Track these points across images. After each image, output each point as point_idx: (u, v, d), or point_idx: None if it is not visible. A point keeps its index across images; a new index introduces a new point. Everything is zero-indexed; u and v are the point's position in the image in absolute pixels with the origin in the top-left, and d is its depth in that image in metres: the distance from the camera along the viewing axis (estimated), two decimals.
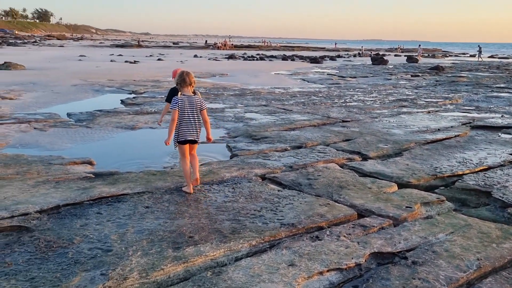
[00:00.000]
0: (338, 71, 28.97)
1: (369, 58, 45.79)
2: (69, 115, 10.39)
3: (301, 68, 31.49)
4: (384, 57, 45.14)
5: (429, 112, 12.17)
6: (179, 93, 4.95)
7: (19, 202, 4.55)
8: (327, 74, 26.58)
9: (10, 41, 71.17)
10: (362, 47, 75.98)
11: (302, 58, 45.35)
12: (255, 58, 42.73)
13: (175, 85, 5.22)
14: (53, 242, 3.60)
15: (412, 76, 25.95)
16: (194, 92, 4.97)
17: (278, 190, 5.17)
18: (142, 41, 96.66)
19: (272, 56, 47.26)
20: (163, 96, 13.81)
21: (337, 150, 7.38)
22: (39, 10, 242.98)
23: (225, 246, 3.65)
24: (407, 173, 6.08)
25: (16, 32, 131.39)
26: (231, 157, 6.96)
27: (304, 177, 5.77)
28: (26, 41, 77.05)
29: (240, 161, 6.52)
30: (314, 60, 39.77)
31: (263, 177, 5.85)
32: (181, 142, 4.91)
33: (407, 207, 4.74)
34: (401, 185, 5.66)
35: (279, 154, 6.97)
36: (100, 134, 8.54)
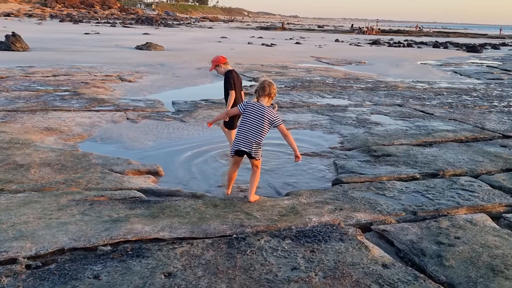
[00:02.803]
0: (501, 63, 24.35)
1: None
2: (173, 103, 9.52)
3: (454, 57, 27.31)
4: None
5: None
6: (254, 99, 4.39)
7: (22, 235, 3.44)
8: (486, 66, 22.39)
9: (168, 22, 76.52)
10: (500, 29, 62.78)
11: (457, 45, 40.00)
12: (402, 45, 38.84)
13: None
14: None
15: None
16: (272, 105, 4.40)
17: (383, 265, 3.25)
18: (288, 23, 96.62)
19: (421, 43, 42.65)
20: (283, 86, 12.34)
21: (491, 186, 5.06)
22: None
23: None
24: None
25: (177, 14, 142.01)
26: (333, 184, 5.14)
27: (433, 238, 3.73)
28: (182, 22, 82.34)
29: (342, 193, 4.68)
30: (471, 49, 34.57)
31: (367, 227, 3.96)
32: (235, 152, 4.37)
33: None
34: None
35: (401, 187, 4.94)
36: (190, 131, 7.37)
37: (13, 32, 20.51)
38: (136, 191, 4.55)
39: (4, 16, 65.75)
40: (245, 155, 4.42)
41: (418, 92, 12.31)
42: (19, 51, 19.42)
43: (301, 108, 9.40)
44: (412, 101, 10.78)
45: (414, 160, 5.91)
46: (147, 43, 23.77)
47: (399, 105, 10.10)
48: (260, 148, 4.39)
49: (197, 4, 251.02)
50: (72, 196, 4.30)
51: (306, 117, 8.56)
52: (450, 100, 11.08)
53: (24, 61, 15.49)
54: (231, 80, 5.76)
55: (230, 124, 5.72)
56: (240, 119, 4.39)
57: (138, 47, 23.18)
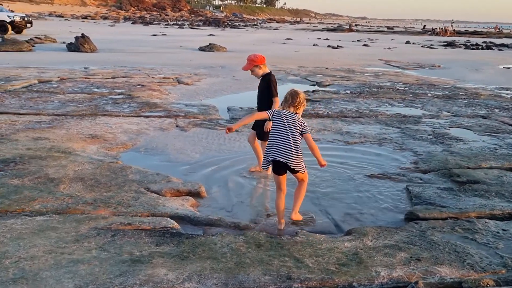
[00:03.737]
0: None
1: None
2: (228, 110, 8.89)
3: None
4: None
5: None
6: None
7: (23, 276, 2.87)
8: None
9: (235, 23, 76.93)
10: None
11: None
12: (480, 47, 36.00)
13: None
14: None
15: None
16: (295, 112, 3.94)
17: None
18: (355, 25, 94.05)
19: (502, 45, 39.32)
20: (349, 91, 11.37)
21: None
22: None
23: None
24: None
25: (245, 15, 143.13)
26: (407, 219, 4.20)
27: None
28: (248, 24, 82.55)
29: (419, 235, 3.73)
30: None
31: None
32: (274, 170, 3.91)
33: None
34: None
35: (497, 229, 3.90)
36: (242, 143, 6.67)
37: (82, 34, 21.04)
38: (169, 219, 3.88)
39: (82, 18, 69.25)
40: (286, 172, 3.93)
41: (504, 101, 10.82)
42: (87, 52, 19.82)
43: (368, 118, 8.40)
44: (499, 112, 9.40)
45: (510, 191, 4.80)
46: (210, 44, 23.56)
47: (483, 117, 8.80)
48: (301, 158, 3.85)
49: (264, 6, 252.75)
50: (95, 223, 3.71)
51: (373, 129, 7.58)
52: None
53: (89, 62, 15.63)
54: (275, 84, 5.02)
55: (264, 134, 5.03)
56: (272, 126, 3.94)
57: (201, 49, 23.02)
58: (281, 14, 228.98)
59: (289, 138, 3.79)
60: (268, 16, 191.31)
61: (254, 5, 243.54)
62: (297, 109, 3.89)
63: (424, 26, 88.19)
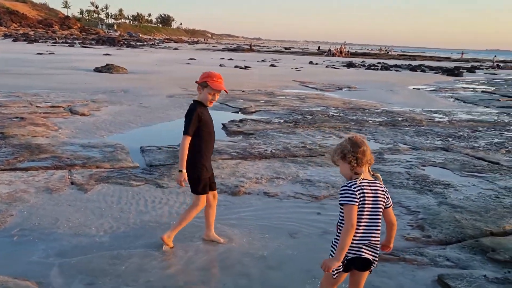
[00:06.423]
0: (492, 87, 22.83)
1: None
2: (142, 151, 6.75)
3: (441, 81, 25.69)
4: None
5: None
6: (352, 174, 2.51)
7: None
8: (482, 91, 20.68)
9: (131, 43, 73.19)
10: (495, 57, 63.66)
11: (432, 69, 38.87)
12: (378, 68, 37.34)
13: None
14: None
15: None
16: (373, 174, 2.54)
17: None
18: (254, 45, 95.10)
19: (396, 66, 41.35)
20: (282, 120, 9.78)
21: None
22: (162, 16, 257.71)
23: None
24: None
25: (140, 35, 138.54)
26: None
27: None
28: (145, 43, 79.15)
29: None
30: (451, 72, 33.34)
31: None
32: (345, 266, 2.52)
33: None
34: None
35: None
36: (172, 206, 4.59)
37: None
38: None
39: None
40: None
41: (448, 127, 9.95)
42: None
43: (322, 157, 6.79)
44: (454, 141, 8.38)
45: None
46: (107, 64, 20.81)
47: (445, 149, 7.67)
48: None
49: (160, 25, 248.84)
50: None
51: (338, 173, 5.94)
52: (496, 140, 8.76)
53: None
54: (189, 117, 3.54)
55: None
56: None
57: (97, 69, 20.19)
58: (177, 34, 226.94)
59: (377, 221, 2.53)
60: (164, 36, 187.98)
61: (149, 24, 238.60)
62: (370, 164, 2.57)
63: (319, 47, 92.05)
